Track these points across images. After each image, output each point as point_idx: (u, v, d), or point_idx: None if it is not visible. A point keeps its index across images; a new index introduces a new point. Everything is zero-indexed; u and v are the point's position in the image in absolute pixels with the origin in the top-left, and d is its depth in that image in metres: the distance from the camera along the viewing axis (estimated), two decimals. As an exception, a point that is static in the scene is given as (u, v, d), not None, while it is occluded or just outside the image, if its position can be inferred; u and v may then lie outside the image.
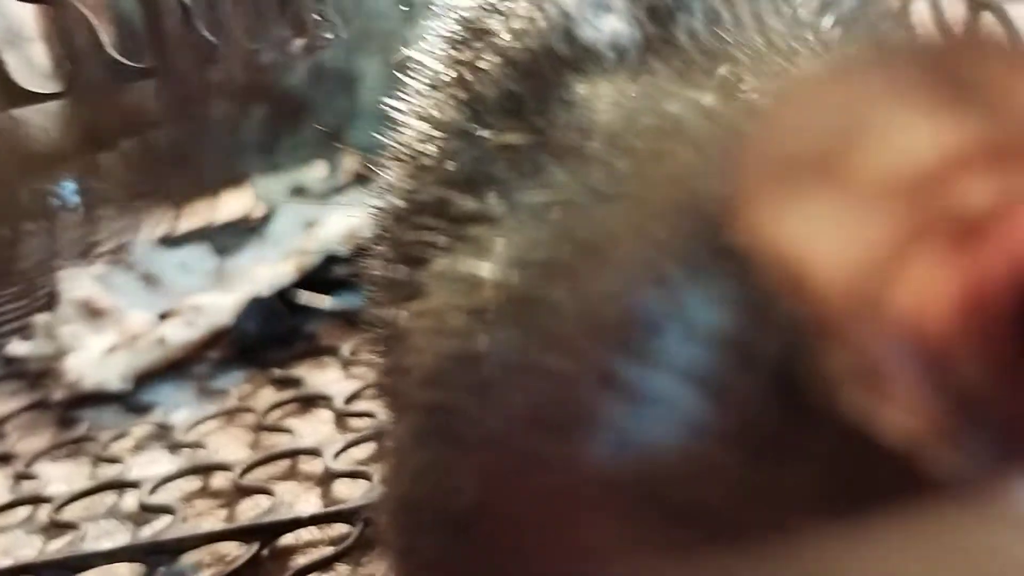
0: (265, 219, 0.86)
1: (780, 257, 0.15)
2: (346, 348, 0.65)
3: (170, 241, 0.83)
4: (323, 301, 0.70)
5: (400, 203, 0.31)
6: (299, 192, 0.92)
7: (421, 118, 0.32)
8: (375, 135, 0.34)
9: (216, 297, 0.70)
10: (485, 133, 0.28)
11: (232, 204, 0.92)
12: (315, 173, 0.96)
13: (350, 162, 0.93)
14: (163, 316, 0.71)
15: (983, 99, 0.14)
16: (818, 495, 0.16)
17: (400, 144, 0.32)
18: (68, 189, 0.83)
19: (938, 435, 0.15)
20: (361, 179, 0.88)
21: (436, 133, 0.30)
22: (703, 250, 0.19)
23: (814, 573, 0.13)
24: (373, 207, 0.33)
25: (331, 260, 0.73)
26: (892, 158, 0.15)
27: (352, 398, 0.59)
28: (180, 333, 0.67)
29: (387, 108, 0.34)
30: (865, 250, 0.15)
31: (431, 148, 0.30)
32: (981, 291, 0.15)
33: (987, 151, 0.14)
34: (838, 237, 0.15)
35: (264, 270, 0.73)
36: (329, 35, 0.59)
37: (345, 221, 0.75)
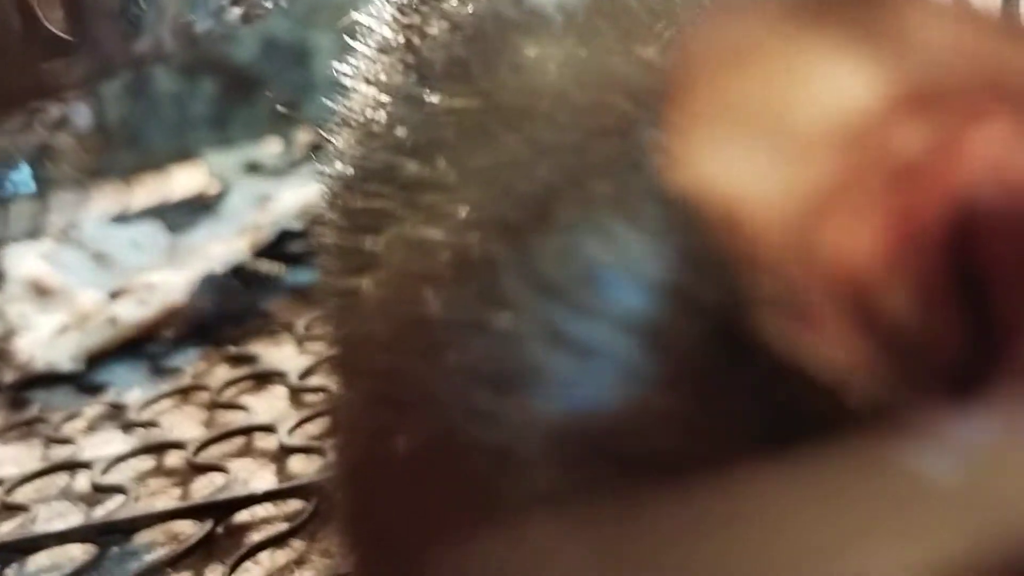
0: (219, 195, 0.85)
1: (712, 199, 0.15)
2: (301, 324, 0.64)
3: (121, 218, 0.82)
4: (280, 269, 0.69)
5: (350, 170, 0.30)
6: (253, 167, 0.91)
7: (370, 83, 0.31)
8: (329, 108, 0.34)
9: (168, 274, 0.69)
10: (433, 98, 0.28)
11: (184, 180, 0.91)
12: (269, 148, 0.95)
13: (304, 136, 0.92)
14: (114, 295, 0.70)
15: (907, 43, 0.15)
16: (755, 433, 0.17)
17: (349, 110, 0.32)
18: (22, 174, 0.82)
19: (865, 368, 0.15)
20: (316, 153, 0.87)
21: (385, 98, 0.30)
22: (644, 200, 0.19)
23: (746, 509, 0.13)
24: (324, 175, 0.32)
25: (286, 235, 0.72)
26: (821, 103, 0.15)
27: (307, 373, 0.58)
28: (132, 311, 0.66)
29: (338, 76, 0.33)
30: (796, 189, 0.15)
31: (380, 114, 0.30)
32: (911, 231, 0.15)
33: (913, 95, 0.15)
34: (769, 178, 0.15)
35: (217, 246, 0.72)
36: (269, 4, 0.58)
37: (299, 196, 0.74)
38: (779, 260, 0.15)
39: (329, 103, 0.34)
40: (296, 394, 0.57)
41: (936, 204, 0.15)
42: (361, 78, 0.32)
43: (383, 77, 0.31)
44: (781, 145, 0.15)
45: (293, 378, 0.58)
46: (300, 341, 0.63)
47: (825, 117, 0.15)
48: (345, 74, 0.33)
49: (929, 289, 0.15)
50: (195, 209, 0.83)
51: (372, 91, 0.31)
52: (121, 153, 0.96)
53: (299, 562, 0.42)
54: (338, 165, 0.31)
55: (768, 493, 0.13)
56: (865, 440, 0.13)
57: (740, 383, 0.17)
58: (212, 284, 0.67)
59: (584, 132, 0.22)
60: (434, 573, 0.20)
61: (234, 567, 0.42)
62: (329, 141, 0.33)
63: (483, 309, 0.21)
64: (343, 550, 0.27)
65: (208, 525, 0.45)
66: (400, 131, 0.28)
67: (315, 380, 0.57)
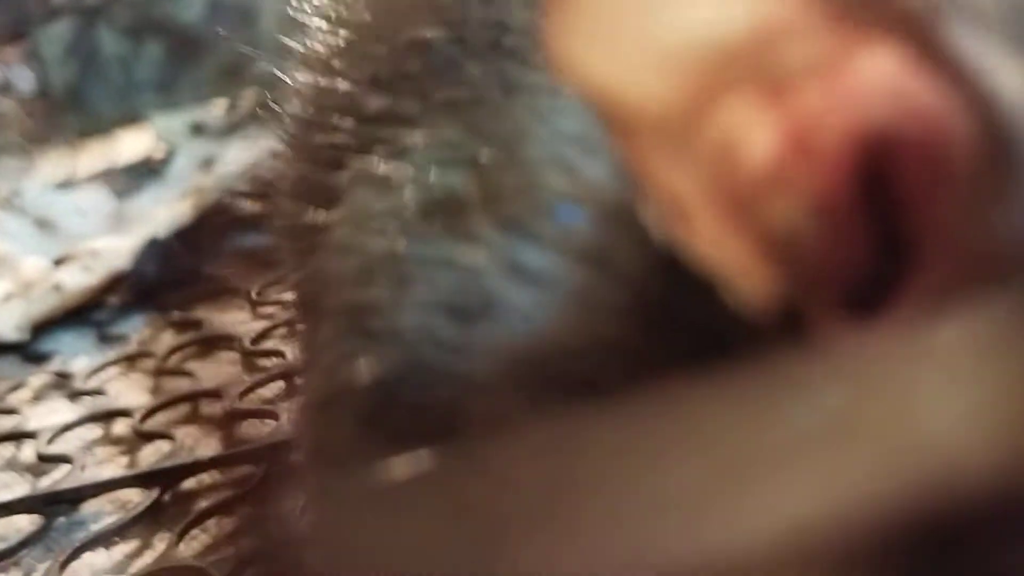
0: (165, 159, 0.84)
1: (597, 97, 0.15)
2: (251, 287, 0.63)
3: (66, 184, 0.81)
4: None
5: (312, 107, 0.30)
6: (199, 130, 0.90)
7: (331, 20, 0.31)
8: (276, 69, 0.33)
9: (113, 240, 0.68)
10: (398, 30, 0.27)
11: (131, 145, 0.89)
12: (215, 110, 0.93)
13: (251, 98, 0.90)
14: (59, 262, 0.69)
15: None
16: (686, 352, 0.17)
17: (310, 47, 0.32)
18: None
19: (756, 276, 0.15)
20: (262, 115, 0.86)
21: (347, 33, 0.30)
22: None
23: (661, 424, 0.13)
24: (282, 113, 0.32)
25: (232, 198, 0.71)
26: (711, 7, 0.15)
27: (259, 338, 0.57)
28: (77, 278, 0.65)
29: (294, 14, 0.33)
30: (682, 89, 0.15)
31: (340, 49, 0.30)
32: (803, 145, 0.15)
33: (807, 11, 0.15)
34: (655, 79, 0.15)
35: (163, 211, 0.70)
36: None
37: (246, 157, 0.73)
38: (660, 158, 0.15)
39: (276, 68, 0.33)
40: (247, 358, 0.56)
41: (831, 123, 0.15)
42: (322, 15, 0.31)
43: (344, 12, 0.30)
44: (669, 45, 0.15)
45: (244, 342, 0.57)
46: (251, 305, 0.62)
47: (715, 21, 0.15)
48: (304, 11, 0.33)
49: (826, 204, 0.15)
50: (141, 174, 0.81)
51: (332, 26, 0.30)
52: (66, 118, 0.94)
53: (246, 528, 0.42)
54: (299, 104, 0.31)
55: (684, 414, 0.13)
56: (771, 359, 0.13)
57: (675, 305, 0.17)
58: (156, 249, 0.66)
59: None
60: (396, 498, 0.20)
61: (181, 534, 0.41)
62: (277, 100, 0.33)
63: (447, 243, 0.22)
64: (306, 482, 0.28)
65: (155, 493, 0.44)
66: (364, 65, 0.28)
67: (267, 344, 0.57)
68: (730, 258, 0.15)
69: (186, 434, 0.49)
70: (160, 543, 0.42)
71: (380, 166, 0.25)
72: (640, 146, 0.16)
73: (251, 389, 0.51)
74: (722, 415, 0.12)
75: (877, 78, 0.15)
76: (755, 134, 0.15)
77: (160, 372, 0.57)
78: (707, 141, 0.15)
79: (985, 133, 0.14)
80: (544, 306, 0.20)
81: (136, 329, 0.63)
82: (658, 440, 0.13)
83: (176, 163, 0.81)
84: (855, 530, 0.12)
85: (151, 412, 0.51)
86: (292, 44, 0.33)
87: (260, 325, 0.59)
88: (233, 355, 0.57)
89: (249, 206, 0.70)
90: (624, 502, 0.12)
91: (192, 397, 0.53)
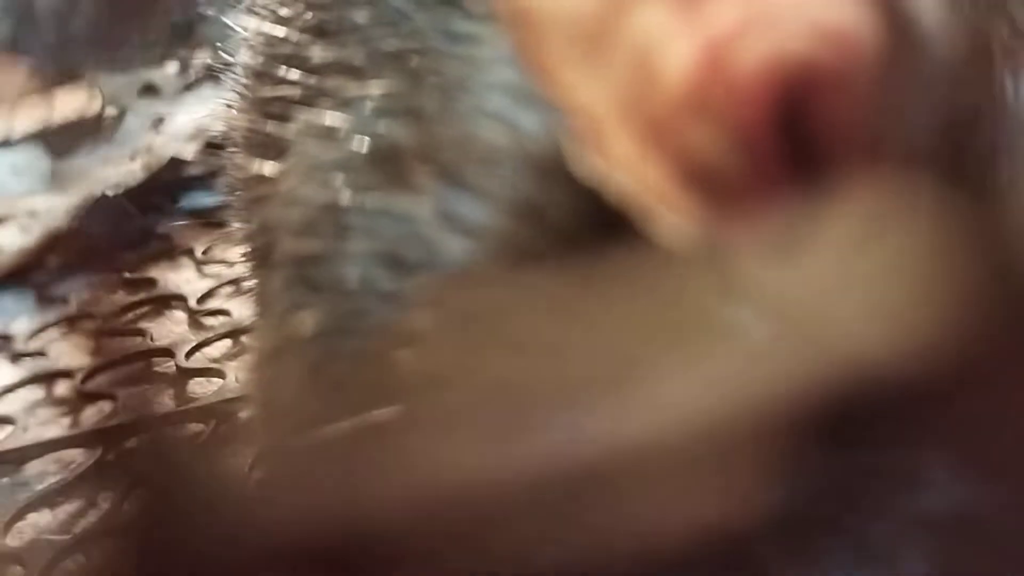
0: (112, 119, 0.82)
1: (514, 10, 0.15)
2: (199, 247, 0.62)
3: (3, 143, 0.78)
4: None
5: (259, 58, 0.30)
6: (149, 90, 0.88)
7: None
8: (227, 29, 0.32)
9: (51, 200, 0.66)
10: None
11: (68, 102, 0.87)
12: (166, 70, 0.91)
13: (202, 58, 0.88)
14: (-4, 222, 0.67)
15: None
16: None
17: None
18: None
19: (672, 202, 0.16)
20: (213, 75, 0.84)
21: None
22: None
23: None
24: (233, 65, 0.31)
25: (182, 158, 0.69)
26: None
27: (206, 297, 0.56)
28: (15, 239, 0.63)
29: None
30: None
31: None
32: (716, 57, 0.15)
33: None
34: None
35: (110, 170, 0.69)
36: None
37: (196, 118, 0.71)
38: (577, 70, 0.15)
39: (227, 27, 0.32)
40: (194, 317, 0.55)
41: (748, 48, 0.15)
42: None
43: None
44: None
45: (191, 302, 0.56)
46: (198, 264, 0.61)
47: None
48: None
49: (744, 134, 0.15)
50: (81, 132, 0.80)
51: None
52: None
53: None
54: (247, 55, 0.30)
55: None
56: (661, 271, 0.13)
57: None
58: (105, 208, 0.64)
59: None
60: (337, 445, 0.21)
61: (126, 493, 0.40)
62: (228, 51, 0.32)
63: (389, 194, 0.22)
64: (256, 429, 0.28)
65: (98, 452, 0.43)
66: (310, 15, 0.28)
67: (215, 303, 0.56)
68: (645, 181, 0.15)
69: (131, 393, 0.48)
70: (104, 502, 0.41)
71: (326, 117, 0.25)
72: (554, 55, 0.15)
73: (198, 348, 0.51)
74: (621, 308, 0.12)
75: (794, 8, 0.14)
76: (671, 45, 0.15)
77: (105, 332, 0.56)
78: (621, 48, 0.15)
79: (899, 51, 0.14)
80: (479, 258, 0.20)
81: (80, 289, 0.61)
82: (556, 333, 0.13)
83: (126, 123, 0.79)
84: (750, 417, 0.13)
85: (94, 372, 0.50)
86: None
87: (207, 284, 0.58)
88: (180, 314, 0.56)
89: (200, 165, 0.68)
90: (523, 396, 0.13)
91: (140, 356, 0.52)
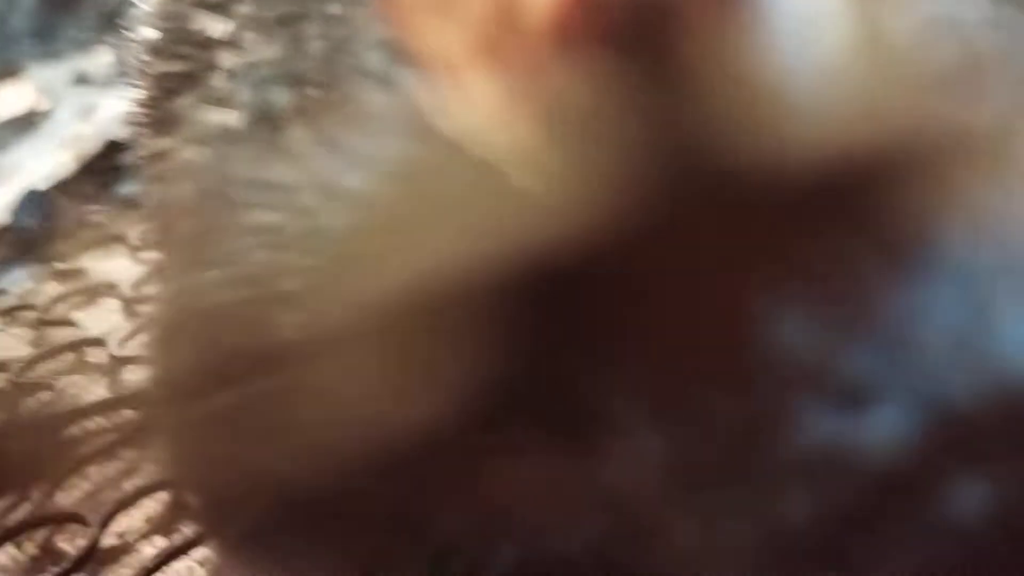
0: (44, 111, 0.81)
1: None
2: (133, 234, 0.62)
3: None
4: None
5: (156, 35, 0.30)
6: (82, 80, 0.87)
7: None
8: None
9: (-15, 194, 0.66)
10: None
11: (8, 98, 0.86)
12: (99, 59, 0.91)
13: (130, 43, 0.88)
14: (-67, 219, 0.67)
15: None
16: None
17: None
18: None
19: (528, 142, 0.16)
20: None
21: None
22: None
23: None
24: (134, 42, 0.32)
25: (114, 147, 0.69)
26: None
27: (139, 284, 0.57)
28: (-50, 236, 0.63)
29: None
30: None
31: None
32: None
33: None
34: None
35: (40, 162, 0.69)
36: None
37: (128, 106, 0.71)
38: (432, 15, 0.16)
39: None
40: (129, 305, 0.56)
41: None
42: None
43: None
44: None
45: (125, 289, 0.56)
46: (133, 251, 0.61)
47: None
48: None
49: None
50: (17, 127, 0.79)
51: None
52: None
53: (129, 472, 0.42)
54: (146, 31, 0.31)
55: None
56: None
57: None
58: (36, 200, 0.65)
59: None
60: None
61: (61, 482, 0.41)
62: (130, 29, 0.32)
63: (270, 163, 0.22)
64: (159, 405, 0.28)
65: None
66: None
67: (149, 290, 0.56)
68: (504, 121, 0.16)
69: (71, 383, 0.49)
70: (39, 492, 0.42)
71: (215, 90, 0.25)
72: (408, 2, 0.16)
73: (132, 335, 0.51)
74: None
75: None
76: None
77: (43, 323, 0.56)
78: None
79: None
80: (355, 224, 0.20)
81: (16, 282, 0.62)
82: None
83: (56, 114, 0.79)
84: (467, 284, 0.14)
85: (31, 363, 0.51)
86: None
87: (141, 271, 0.58)
88: (114, 302, 0.56)
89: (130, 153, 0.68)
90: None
91: (74, 346, 0.52)
